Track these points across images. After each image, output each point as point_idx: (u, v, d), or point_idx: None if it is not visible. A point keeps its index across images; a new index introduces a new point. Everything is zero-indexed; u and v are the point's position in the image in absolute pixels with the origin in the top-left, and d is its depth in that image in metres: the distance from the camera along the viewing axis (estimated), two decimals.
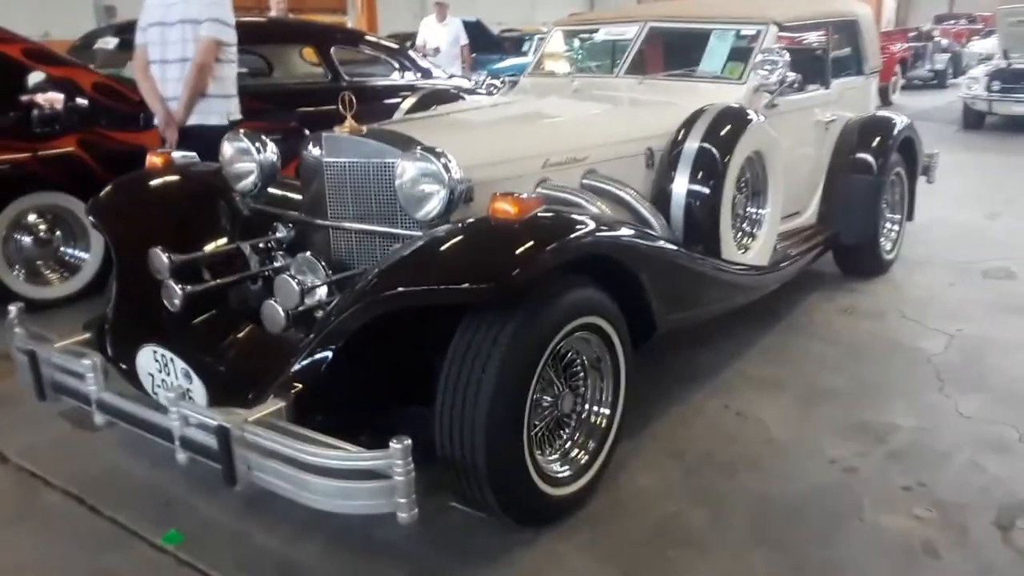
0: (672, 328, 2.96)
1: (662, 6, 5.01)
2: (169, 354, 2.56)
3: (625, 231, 2.66)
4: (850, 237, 4.64)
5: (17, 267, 4.56)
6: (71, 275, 4.70)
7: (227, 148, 3.16)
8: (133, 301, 2.91)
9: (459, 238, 2.35)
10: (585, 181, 3.28)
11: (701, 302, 3.21)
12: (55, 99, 5.04)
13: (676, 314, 2.96)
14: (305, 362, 2.36)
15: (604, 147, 3.37)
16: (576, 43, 4.77)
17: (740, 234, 3.65)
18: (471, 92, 5.51)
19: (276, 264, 3.06)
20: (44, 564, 2.45)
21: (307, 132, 5.68)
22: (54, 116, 4.94)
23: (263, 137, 3.16)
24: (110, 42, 5.70)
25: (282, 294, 2.55)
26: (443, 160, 2.62)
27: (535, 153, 3.13)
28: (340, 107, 2.90)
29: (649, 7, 4.92)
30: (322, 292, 2.76)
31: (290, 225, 3.12)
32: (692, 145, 3.35)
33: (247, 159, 3.14)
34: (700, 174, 3.32)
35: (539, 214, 2.40)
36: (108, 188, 3.21)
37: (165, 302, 2.82)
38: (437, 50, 9.46)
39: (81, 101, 4.91)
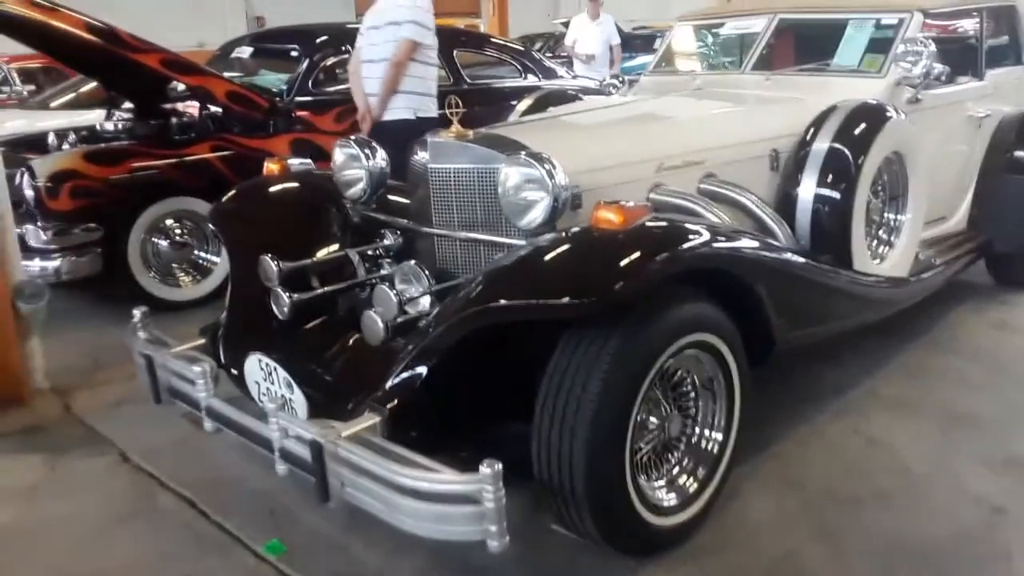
0: (794, 346, 2.74)
1: None
2: (273, 363, 2.57)
3: (743, 241, 2.47)
4: (1006, 244, 4.22)
5: (153, 270, 4.76)
6: (202, 278, 4.89)
7: (338, 155, 3.17)
8: (245, 307, 2.95)
9: (560, 249, 2.24)
10: (702, 186, 3.10)
11: (828, 318, 2.96)
12: (191, 107, 5.28)
13: (799, 331, 2.74)
14: (401, 377, 2.31)
15: (724, 149, 3.17)
16: (701, 38, 4.55)
17: (876, 242, 3.37)
18: (593, 92, 5.37)
19: (383, 272, 3.04)
20: (146, 564, 2.51)
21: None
22: (190, 124, 5.17)
23: (373, 143, 3.15)
24: (245, 51, 5.91)
25: (381, 305, 2.51)
26: (547, 165, 2.51)
27: (649, 156, 2.98)
28: (446, 111, 2.85)
29: None
30: (425, 301, 2.71)
31: (398, 232, 3.10)
32: (821, 145, 3.11)
33: (357, 166, 3.13)
34: (830, 177, 3.07)
35: (646, 223, 2.26)
36: (228, 195, 3.28)
37: (274, 309, 2.85)
38: (592, 57, 8.78)
39: (215, 109, 5.11)
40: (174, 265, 4.87)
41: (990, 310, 4.27)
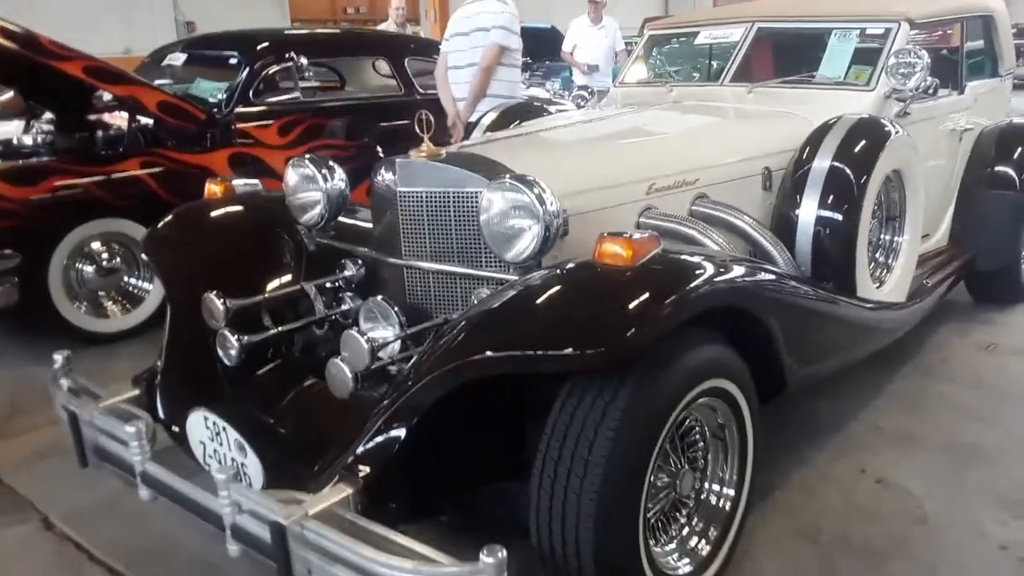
0: (801, 386, 2.49)
1: (770, 4, 4.51)
2: (221, 422, 2.21)
3: (759, 274, 2.21)
4: (989, 262, 4.07)
5: (78, 300, 4.31)
6: (133, 307, 4.44)
7: (291, 175, 2.82)
8: (186, 353, 2.58)
9: (558, 289, 1.94)
10: (695, 208, 2.84)
11: (837, 351, 2.73)
12: (119, 119, 4.83)
13: (808, 368, 2.49)
14: (375, 440, 1.98)
15: (716, 168, 2.92)
16: (674, 48, 4.31)
17: (873, 265, 3.15)
18: (552, 104, 5.09)
19: (344, 307, 2.71)
20: None
21: (379, 150, 5.46)
22: (118, 137, 4.73)
23: (330, 163, 2.81)
24: (178, 58, 5.48)
25: (349, 354, 2.17)
26: (536, 190, 2.22)
27: (639, 177, 2.72)
28: (417, 127, 2.53)
29: (755, 5, 4.44)
30: (395, 345, 2.39)
31: (359, 262, 2.77)
32: (821, 164, 2.88)
33: (312, 188, 2.79)
34: (831, 198, 2.84)
35: (657, 257, 1.98)
36: (163, 221, 2.90)
37: (220, 354, 2.49)
38: (595, 67, 8.08)
39: (145, 121, 4.68)
40: (101, 293, 4.41)
41: (975, 331, 4.12)
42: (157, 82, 5.25)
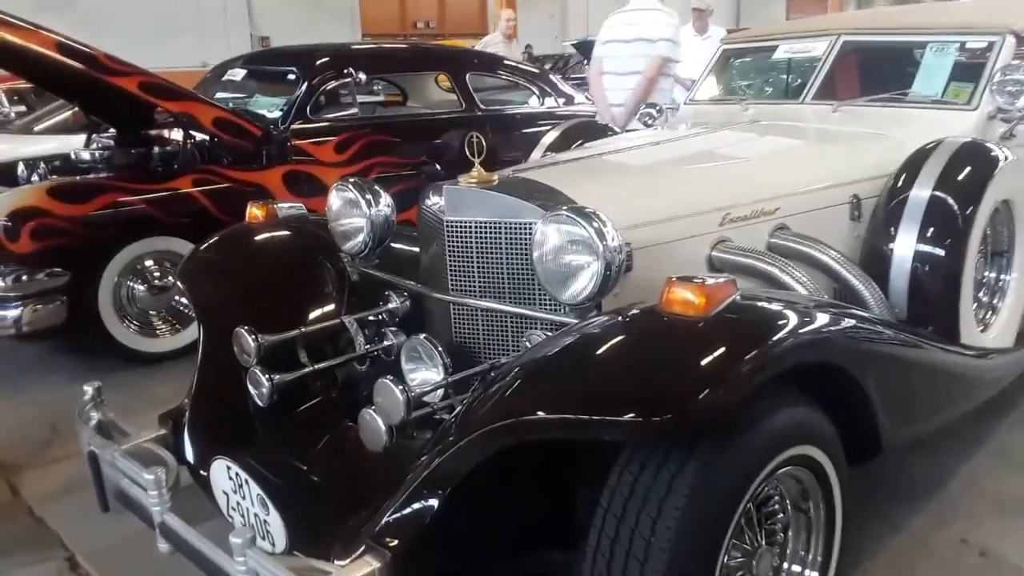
0: (898, 448, 2.18)
1: (858, 16, 4.19)
2: (243, 474, 2.01)
3: (851, 322, 1.92)
4: None
5: (128, 319, 4.21)
6: (183, 327, 4.33)
7: (334, 199, 2.63)
8: (216, 390, 2.40)
9: (619, 341, 1.70)
10: (774, 240, 2.56)
11: (940, 407, 2.40)
12: (177, 136, 4.76)
13: (908, 428, 2.18)
14: (408, 508, 1.75)
15: (798, 196, 2.64)
16: (750, 63, 4.02)
17: (977, 307, 2.81)
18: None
19: (386, 343, 2.50)
20: None
21: (438, 167, 5.28)
22: (173, 154, 4.65)
23: (375, 187, 2.60)
24: (238, 73, 5.40)
25: (384, 404, 1.95)
26: (595, 223, 1.97)
27: (712, 206, 2.45)
28: (467, 150, 2.32)
29: (841, 17, 4.12)
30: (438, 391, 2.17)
31: (404, 294, 2.56)
32: (921, 193, 2.56)
33: (356, 214, 2.59)
34: (933, 231, 2.53)
35: (733, 304, 1.71)
36: (200, 246, 2.75)
37: (251, 392, 2.30)
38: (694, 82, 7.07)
39: (201, 137, 4.59)
40: (151, 312, 4.32)
41: None
42: (217, 97, 5.18)
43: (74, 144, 5.12)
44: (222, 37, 17.03)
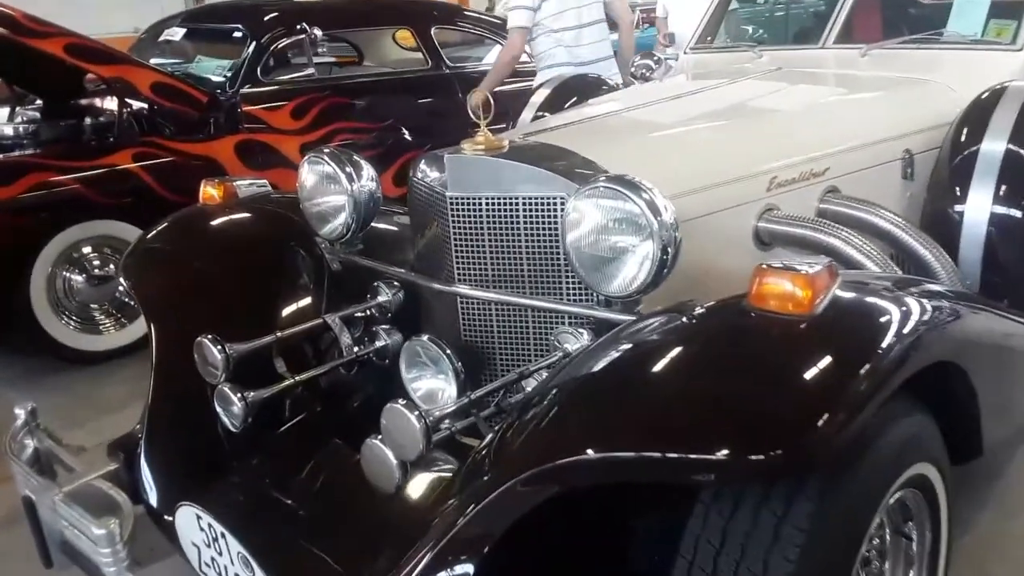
0: (1000, 448, 1.86)
1: None
2: (218, 526, 1.61)
3: (965, 307, 1.58)
4: None
5: (66, 315, 3.73)
6: (129, 321, 3.85)
7: (306, 174, 2.20)
8: (176, 414, 1.98)
9: (698, 351, 1.33)
10: (824, 205, 2.22)
11: None
12: (107, 105, 4.23)
13: (1007, 427, 1.86)
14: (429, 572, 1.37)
15: (848, 153, 2.29)
16: (754, 6, 3.64)
17: None
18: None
19: (378, 343, 2.10)
20: None
21: (405, 132, 4.83)
22: (108, 125, 4.13)
23: (355, 157, 2.18)
24: (176, 33, 4.85)
25: (395, 433, 1.55)
26: (645, 195, 1.59)
27: (758, 169, 2.09)
28: (470, 110, 1.91)
29: None
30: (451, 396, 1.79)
31: (396, 284, 2.15)
32: (994, 147, 2.23)
33: (335, 191, 2.16)
34: (1010, 190, 2.20)
35: (837, 297, 1.35)
36: (146, 235, 2.32)
37: (221, 415, 1.89)
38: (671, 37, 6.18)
39: (139, 106, 4.07)
40: (93, 306, 3.83)
41: None
42: (154, 62, 4.65)
43: None
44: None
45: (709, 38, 3.53)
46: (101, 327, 3.83)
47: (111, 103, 4.25)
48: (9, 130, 4.25)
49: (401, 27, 5.25)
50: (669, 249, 1.58)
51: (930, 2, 3.24)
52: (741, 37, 3.50)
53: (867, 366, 1.25)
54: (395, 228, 2.39)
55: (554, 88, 3.29)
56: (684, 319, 1.42)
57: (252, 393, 1.87)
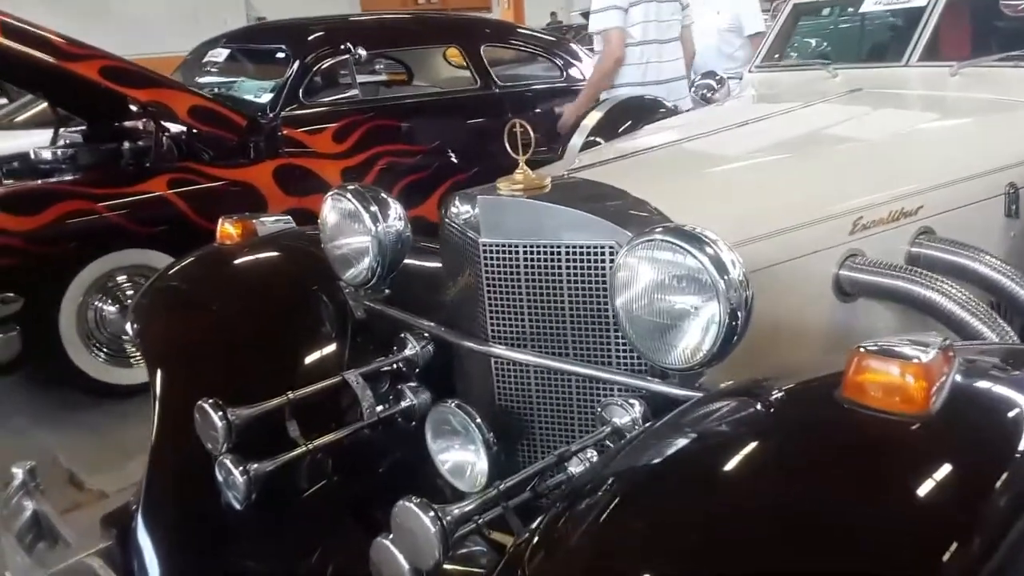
0: None
1: None
2: None
3: None
4: None
5: (96, 347, 3.59)
6: None
7: (328, 213, 1.99)
8: (175, 485, 1.78)
9: (781, 456, 1.07)
10: (916, 250, 1.92)
11: None
12: (144, 129, 4.11)
13: None
14: None
15: (943, 189, 1.98)
16: (826, 19, 3.34)
17: None
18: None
19: (404, 402, 1.88)
20: None
21: (451, 155, 4.63)
22: (145, 150, 4.01)
23: (381, 194, 1.95)
24: (219, 54, 4.74)
25: (408, 537, 1.30)
26: (710, 249, 1.34)
27: (838, 209, 1.80)
28: (507, 143, 1.67)
29: None
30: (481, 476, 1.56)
31: (425, 336, 1.92)
32: None
33: (358, 231, 1.94)
34: None
35: (956, 386, 1.08)
36: (157, 278, 2.14)
37: (223, 489, 1.68)
38: None
39: (177, 130, 3.94)
40: (124, 338, 3.68)
41: None
42: (197, 82, 4.54)
43: (29, 143, 4.48)
44: (218, 18, 16.32)
45: (777, 55, 3.24)
46: (132, 360, 3.68)
47: (150, 127, 4.13)
48: (47, 154, 4.16)
49: (449, 45, 5.05)
50: (739, 313, 1.32)
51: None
52: (810, 54, 3.19)
53: (1004, 476, 0.97)
54: (422, 263, 2.16)
55: (607, 111, 3.03)
56: (761, 406, 1.16)
57: (256, 465, 1.65)
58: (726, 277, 1.32)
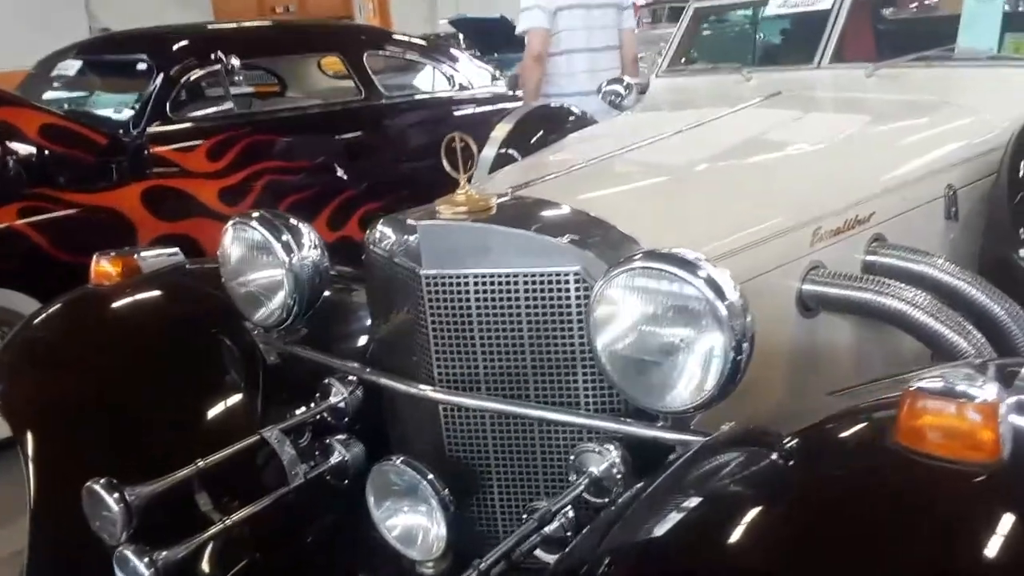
0: None
1: None
2: None
3: None
4: None
5: None
6: None
7: (230, 245, 1.71)
8: None
9: (841, 526, 0.91)
10: (871, 258, 1.84)
11: None
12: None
13: None
14: None
15: (891, 193, 1.91)
16: (729, 24, 3.29)
17: None
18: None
19: (332, 459, 1.63)
20: None
21: (339, 171, 4.34)
22: None
23: (292, 220, 1.70)
24: (71, 66, 4.27)
25: None
26: (703, 272, 1.18)
27: (799, 219, 1.69)
28: (445, 159, 1.46)
29: None
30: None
31: (352, 380, 1.68)
32: None
33: (268, 264, 1.68)
34: None
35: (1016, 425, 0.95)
36: (23, 328, 1.79)
37: None
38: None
39: (24, 151, 3.48)
40: None
41: None
42: (46, 99, 4.07)
43: None
44: (61, 31, 15.19)
45: (683, 59, 3.15)
46: None
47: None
48: None
49: (329, 53, 4.76)
50: (744, 345, 1.16)
51: (926, 16, 2.93)
52: (720, 58, 3.13)
53: None
54: (350, 300, 1.92)
55: (516, 121, 2.85)
56: (779, 458, 0.99)
57: (165, 552, 1.37)
58: (727, 303, 1.16)
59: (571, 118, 2.99)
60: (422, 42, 5.50)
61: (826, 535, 0.90)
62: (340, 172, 4.20)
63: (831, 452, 1.00)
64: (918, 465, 0.90)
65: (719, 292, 1.17)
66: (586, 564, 1.04)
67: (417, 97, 4.81)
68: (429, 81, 5.09)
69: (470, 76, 5.17)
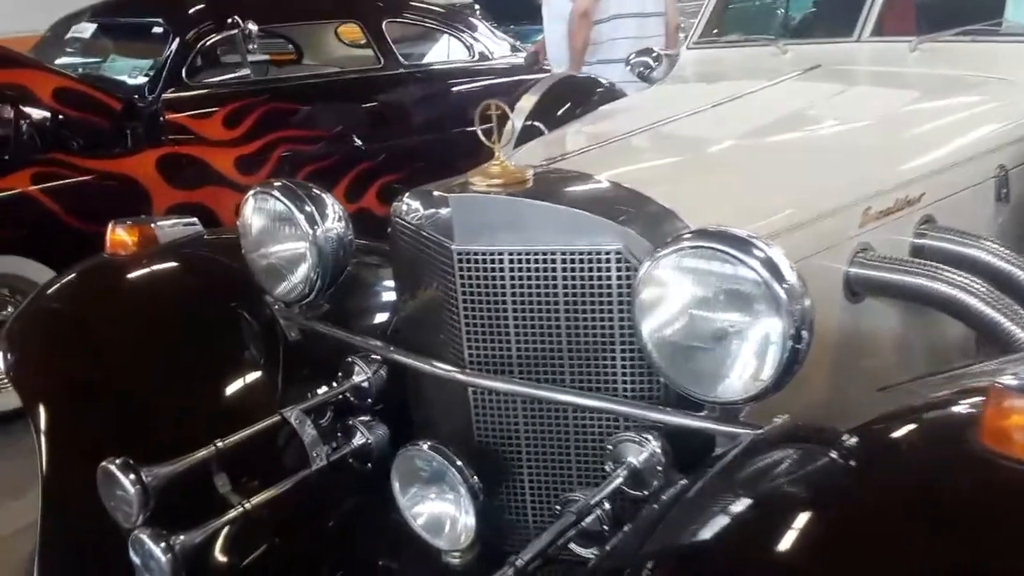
0: None
1: None
2: None
3: None
4: None
5: None
6: None
7: (251, 215, 1.64)
8: (75, 568, 1.41)
9: (901, 522, 0.84)
10: (920, 241, 1.75)
11: None
12: (5, 116, 3.56)
13: None
14: None
15: (942, 174, 1.82)
16: None
17: None
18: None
19: (356, 441, 1.57)
20: None
21: (357, 141, 4.26)
22: (3, 140, 3.46)
23: (315, 191, 1.62)
24: (85, 29, 4.19)
25: None
26: (759, 251, 1.10)
27: (848, 199, 1.60)
28: (479, 126, 1.37)
29: None
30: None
31: (377, 360, 1.61)
32: None
33: (291, 236, 1.61)
34: None
35: None
36: (36, 297, 1.73)
37: (140, 572, 1.32)
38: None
39: (38, 115, 3.42)
40: None
41: None
42: (60, 63, 3.99)
43: None
44: None
45: (715, 31, 3.04)
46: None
47: (8, 113, 3.58)
48: None
49: (349, 20, 4.65)
50: (803, 332, 1.08)
51: None
52: (756, 30, 3.01)
53: None
54: (373, 275, 1.85)
55: (543, 93, 2.75)
56: (839, 458, 0.92)
57: (182, 536, 1.31)
58: (785, 286, 1.08)
59: (599, 89, 2.89)
60: (441, 10, 5.37)
61: (898, 547, 0.83)
62: (358, 142, 4.12)
63: (897, 453, 0.92)
64: (1006, 470, 0.83)
65: (777, 274, 1.09)
66: (628, 567, 0.98)
67: (436, 67, 4.71)
68: (448, 51, 4.98)
69: (490, 46, 5.06)
